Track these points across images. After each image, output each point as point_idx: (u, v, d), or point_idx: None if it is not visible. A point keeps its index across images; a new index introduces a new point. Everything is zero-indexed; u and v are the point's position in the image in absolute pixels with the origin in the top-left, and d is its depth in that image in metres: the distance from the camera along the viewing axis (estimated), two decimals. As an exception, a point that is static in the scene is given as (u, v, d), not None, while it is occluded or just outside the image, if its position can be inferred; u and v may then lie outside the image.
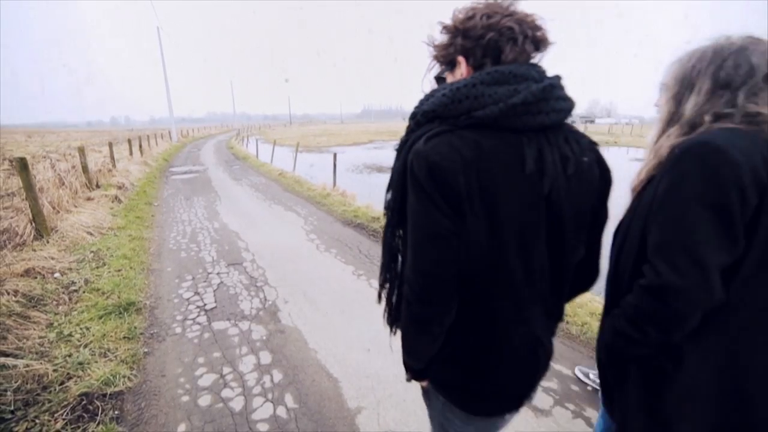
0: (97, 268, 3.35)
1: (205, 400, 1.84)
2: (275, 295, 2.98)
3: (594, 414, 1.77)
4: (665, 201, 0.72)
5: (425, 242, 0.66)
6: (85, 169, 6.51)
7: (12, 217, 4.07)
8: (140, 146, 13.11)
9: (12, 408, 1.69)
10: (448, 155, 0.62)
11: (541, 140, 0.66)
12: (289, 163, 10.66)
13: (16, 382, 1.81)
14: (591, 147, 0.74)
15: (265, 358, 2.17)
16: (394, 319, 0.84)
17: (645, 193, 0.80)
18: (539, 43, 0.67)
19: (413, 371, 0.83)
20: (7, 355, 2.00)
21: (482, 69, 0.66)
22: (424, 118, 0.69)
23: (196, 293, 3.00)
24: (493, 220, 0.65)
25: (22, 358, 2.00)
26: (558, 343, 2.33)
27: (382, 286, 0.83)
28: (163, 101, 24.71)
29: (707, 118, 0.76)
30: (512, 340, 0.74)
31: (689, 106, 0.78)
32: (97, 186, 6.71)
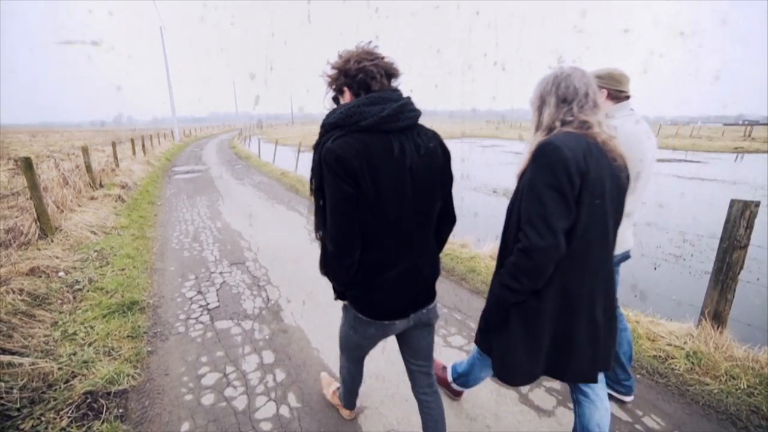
0: (101, 267, 3.37)
1: (208, 399, 1.85)
2: (278, 294, 2.99)
3: (596, 414, 1.76)
4: (529, 185, 1.05)
5: (338, 202, 1.01)
6: (88, 168, 6.54)
7: (17, 217, 4.10)
8: (143, 146, 13.17)
9: (18, 405, 1.70)
10: (346, 149, 0.98)
11: (401, 136, 1.05)
12: (291, 162, 10.68)
13: (22, 380, 1.83)
14: (434, 136, 1.13)
15: (268, 357, 2.18)
16: (322, 261, 1.17)
17: (522, 181, 1.11)
18: (392, 76, 1.08)
19: (337, 292, 1.22)
20: (13, 353, 2.02)
21: (359, 96, 1.04)
22: (330, 127, 1.05)
23: (199, 292, 3.02)
24: (377, 187, 1.02)
25: (27, 356, 2.01)
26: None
27: (317, 233, 1.15)
28: (166, 101, 24.79)
29: (557, 123, 1.09)
30: (397, 266, 1.12)
31: (546, 116, 1.12)
32: (101, 185, 6.74)
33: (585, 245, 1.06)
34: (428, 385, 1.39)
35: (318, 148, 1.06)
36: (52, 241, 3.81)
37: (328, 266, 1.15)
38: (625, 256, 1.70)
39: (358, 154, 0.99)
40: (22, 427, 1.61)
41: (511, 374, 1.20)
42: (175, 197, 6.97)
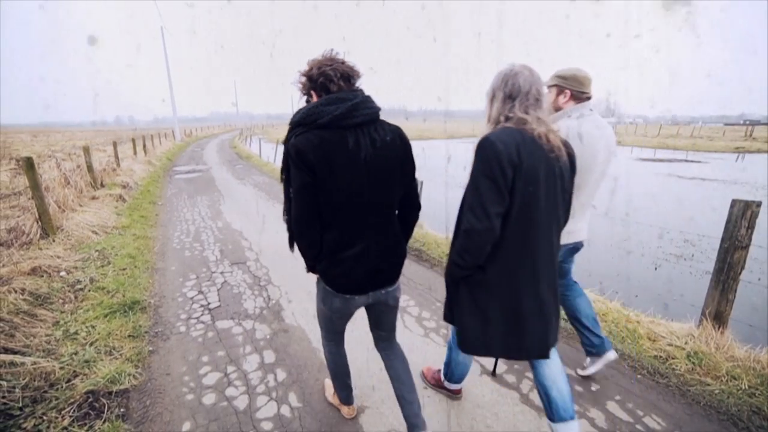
0: (102, 266, 3.38)
1: (209, 399, 1.85)
2: (279, 294, 2.99)
3: (598, 414, 1.76)
4: (470, 176, 1.18)
5: (298, 189, 1.18)
6: (89, 168, 6.55)
7: (19, 216, 4.11)
8: (144, 146, 13.19)
9: (20, 405, 1.71)
10: (305, 144, 1.14)
11: (357, 131, 1.18)
12: (292, 162, 10.66)
13: (24, 379, 1.83)
14: (393, 131, 1.25)
15: (269, 356, 2.19)
16: (290, 239, 1.34)
17: None
18: (349, 79, 1.20)
19: (308, 266, 1.38)
20: (15, 353, 2.02)
21: (322, 97, 1.19)
22: (295, 124, 1.21)
23: (200, 292, 3.02)
24: (333, 176, 1.16)
25: (29, 355, 2.02)
26: (562, 344, 2.33)
27: (285, 215, 1.32)
28: (167, 101, 24.85)
29: (502, 118, 1.21)
30: (354, 245, 1.26)
31: (494, 110, 1.24)
32: (102, 185, 6.75)
33: (521, 227, 1.19)
34: (387, 345, 1.59)
35: (285, 143, 1.22)
36: (54, 241, 3.82)
37: (293, 244, 1.34)
38: (577, 246, 1.82)
39: (315, 148, 1.14)
40: (24, 426, 1.62)
41: (467, 342, 1.36)
42: (176, 197, 6.98)
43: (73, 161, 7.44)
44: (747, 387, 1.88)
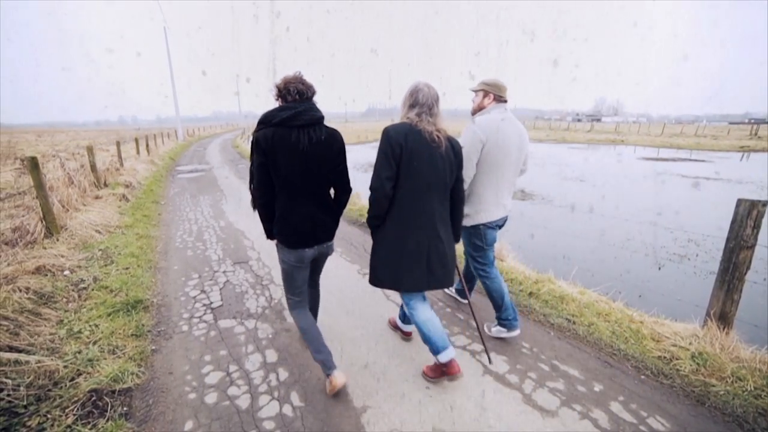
0: (106, 266, 3.39)
1: (211, 398, 1.85)
2: (281, 293, 2.99)
3: (601, 415, 1.75)
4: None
5: (257, 167, 1.66)
6: (93, 168, 6.59)
7: (23, 216, 4.14)
8: (147, 145, 13.25)
9: (25, 403, 1.72)
10: (262, 136, 1.62)
11: (299, 130, 1.65)
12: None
13: (28, 378, 1.84)
14: (330, 131, 1.74)
15: (271, 356, 2.19)
16: (252, 201, 1.82)
17: None
18: (302, 94, 1.67)
19: (267, 232, 1.84)
20: (19, 351, 2.04)
21: (280, 104, 1.69)
22: (259, 122, 1.68)
23: (203, 291, 3.03)
24: (282, 160, 1.64)
25: (34, 354, 2.03)
26: (565, 344, 2.32)
27: (249, 189, 1.80)
28: (170, 100, 25.00)
29: (406, 119, 1.74)
30: (296, 212, 1.73)
31: (403, 113, 1.78)
32: (105, 185, 6.79)
33: (408, 190, 1.71)
34: (313, 284, 2.15)
35: (252, 136, 1.73)
36: (58, 240, 3.85)
37: (255, 205, 1.82)
38: (501, 223, 2.26)
39: (267, 140, 1.63)
40: (28, 424, 1.63)
41: (377, 277, 1.87)
42: (179, 196, 7.01)
43: (76, 161, 7.48)
44: (753, 388, 1.86)
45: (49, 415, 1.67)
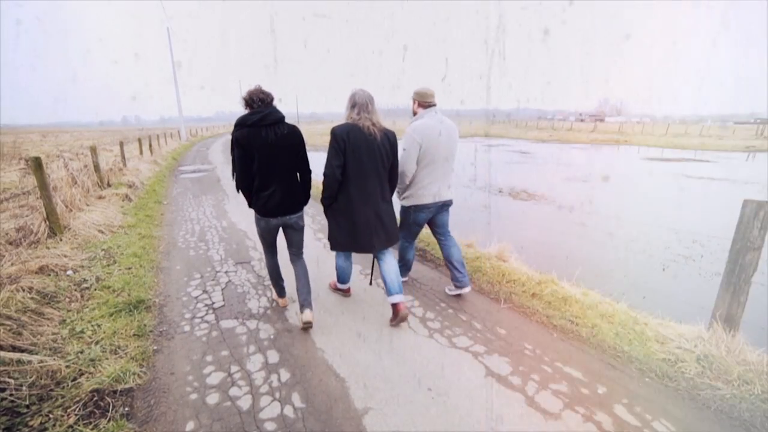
0: (108, 266, 3.41)
1: (213, 398, 1.85)
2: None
3: (605, 418, 1.73)
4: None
5: (237, 158, 2.20)
6: (96, 168, 6.62)
7: (27, 216, 4.16)
8: (150, 145, 13.30)
9: (27, 402, 1.72)
10: (240, 135, 2.15)
11: (267, 128, 2.17)
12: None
13: (30, 378, 1.85)
14: (291, 127, 2.26)
15: (273, 357, 2.18)
16: (236, 185, 2.32)
17: None
18: (262, 101, 2.18)
19: (248, 202, 2.37)
20: (22, 351, 2.04)
21: (250, 110, 2.20)
22: (236, 124, 2.18)
23: (205, 291, 3.03)
24: (256, 152, 2.17)
25: (36, 353, 2.04)
26: (568, 346, 2.30)
27: (232, 177, 2.31)
28: (173, 101, 25.14)
29: (349, 120, 2.27)
30: (268, 189, 2.26)
31: (347, 112, 2.29)
32: (109, 185, 6.82)
33: (353, 174, 2.25)
34: (296, 259, 2.56)
35: (232, 134, 2.21)
36: (61, 240, 3.86)
37: (238, 188, 2.33)
38: (447, 204, 2.77)
39: (243, 137, 2.15)
40: (30, 423, 1.63)
41: (331, 244, 2.48)
42: (182, 196, 7.03)
43: (80, 161, 7.52)
44: (760, 392, 1.84)
45: (50, 415, 1.68)
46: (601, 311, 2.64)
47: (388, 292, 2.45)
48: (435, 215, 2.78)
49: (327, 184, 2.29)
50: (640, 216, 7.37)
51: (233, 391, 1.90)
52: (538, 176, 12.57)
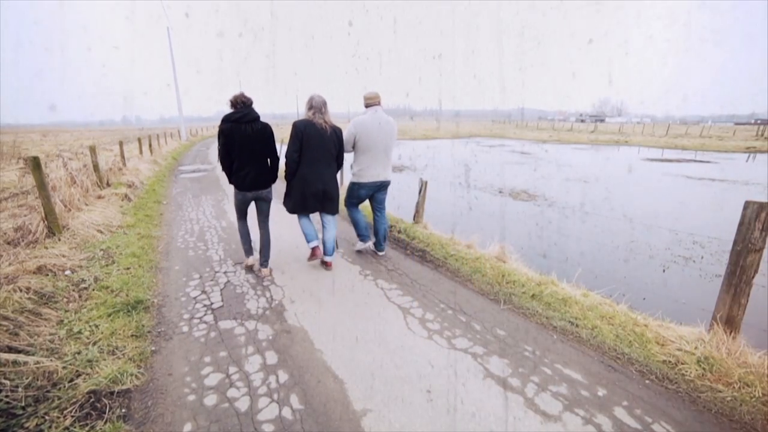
0: (107, 266, 3.39)
1: (210, 400, 1.84)
2: (281, 294, 2.98)
3: (605, 420, 1.72)
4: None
5: (221, 146, 2.97)
6: (96, 167, 6.61)
7: (26, 215, 4.15)
8: (150, 145, 13.29)
9: (23, 404, 1.71)
10: (225, 128, 2.91)
11: (245, 124, 2.91)
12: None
13: (27, 379, 1.84)
14: (264, 124, 2.99)
15: (271, 358, 2.17)
16: (221, 166, 3.07)
17: None
18: (244, 103, 2.92)
19: (229, 179, 3.10)
20: (18, 352, 2.03)
21: (233, 109, 2.95)
22: (222, 120, 2.93)
23: (203, 292, 3.02)
24: (236, 142, 2.92)
25: (33, 354, 2.03)
26: (568, 347, 2.29)
27: (219, 157, 3.04)
28: (173, 100, 25.13)
29: (307, 117, 3.08)
30: (245, 170, 3.01)
31: (306, 112, 3.10)
32: (108, 184, 6.81)
33: (307, 158, 3.01)
34: (263, 225, 3.32)
35: (219, 127, 2.89)
36: (59, 240, 3.85)
37: (222, 168, 3.00)
38: (384, 184, 3.55)
39: (228, 130, 2.86)
40: (26, 425, 1.62)
41: (293, 210, 3.21)
42: (181, 196, 7.02)
43: (79, 161, 7.51)
44: (761, 394, 1.83)
45: (47, 417, 1.66)
46: (601, 312, 2.63)
47: (327, 253, 3.38)
48: (375, 192, 3.56)
49: (288, 165, 3.09)
50: (640, 217, 7.36)
51: (231, 393, 1.88)
52: (538, 177, 12.55)
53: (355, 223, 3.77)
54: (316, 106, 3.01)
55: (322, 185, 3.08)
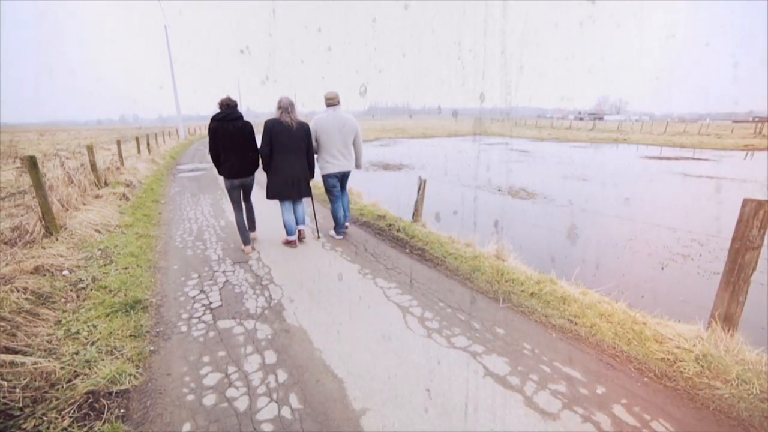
0: (105, 265, 3.38)
1: (209, 400, 1.84)
2: (280, 293, 2.98)
3: (604, 418, 1.73)
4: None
5: (210, 140, 3.57)
6: (93, 167, 6.58)
7: (22, 215, 4.13)
8: (148, 144, 13.24)
9: (21, 405, 1.71)
10: (212, 125, 3.51)
11: (229, 122, 3.51)
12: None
13: (24, 380, 1.83)
14: (245, 122, 3.61)
15: (270, 357, 2.17)
16: (211, 158, 3.66)
17: None
18: (228, 105, 3.53)
19: (217, 169, 3.70)
20: (16, 352, 2.02)
21: (220, 109, 3.58)
22: (211, 119, 3.53)
23: (202, 291, 3.01)
24: (222, 137, 3.52)
25: (30, 355, 2.02)
26: (567, 345, 2.29)
27: (209, 151, 3.65)
28: (171, 99, 25.08)
29: (276, 116, 3.65)
30: (230, 161, 3.61)
31: (275, 113, 3.66)
32: (106, 184, 6.78)
33: (279, 151, 3.64)
34: (247, 204, 4.01)
35: (208, 125, 3.49)
36: (57, 240, 3.83)
37: (212, 159, 3.62)
38: (346, 173, 4.12)
39: (214, 127, 3.47)
40: (24, 426, 1.61)
41: (272, 196, 3.77)
42: (180, 195, 6.99)
43: (77, 160, 7.47)
44: (758, 391, 1.83)
45: (45, 418, 1.66)
46: (599, 310, 2.64)
47: (288, 231, 3.94)
48: (341, 180, 4.14)
49: (262, 157, 3.68)
50: (638, 215, 7.37)
51: (230, 392, 1.88)
52: (537, 175, 12.56)
53: (333, 215, 4.32)
54: (284, 106, 3.58)
55: (292, 175, 3.68)
